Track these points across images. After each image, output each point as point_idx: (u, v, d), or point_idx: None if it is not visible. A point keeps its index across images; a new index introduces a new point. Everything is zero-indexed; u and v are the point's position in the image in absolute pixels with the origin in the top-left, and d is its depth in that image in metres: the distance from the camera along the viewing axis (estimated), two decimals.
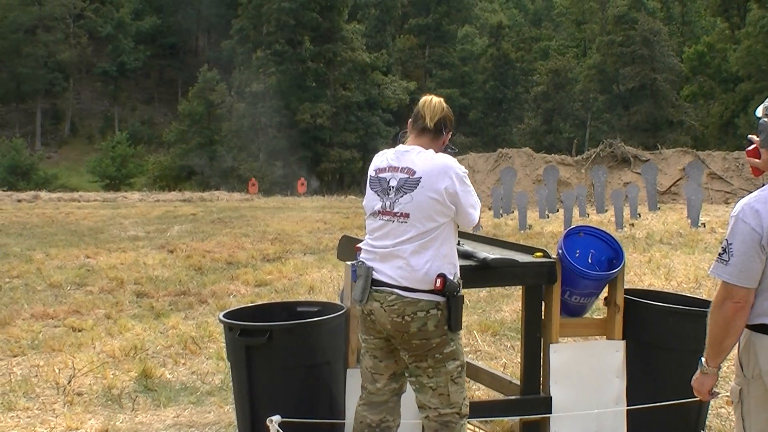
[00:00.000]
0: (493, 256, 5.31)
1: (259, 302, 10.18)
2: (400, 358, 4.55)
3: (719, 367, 3.75)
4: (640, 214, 24.32)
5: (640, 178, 30.50)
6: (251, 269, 15.28)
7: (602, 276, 5.81)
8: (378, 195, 4.49)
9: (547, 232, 21.02)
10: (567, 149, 51.60)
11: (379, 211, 4.46)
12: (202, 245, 18.80)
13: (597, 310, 7.20)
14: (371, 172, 4.59)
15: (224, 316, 5.34)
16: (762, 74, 58.96)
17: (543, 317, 5.65)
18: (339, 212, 29.57)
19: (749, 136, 4.06)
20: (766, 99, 3.74)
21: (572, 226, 6.37)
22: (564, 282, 5.68)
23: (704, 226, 20.66)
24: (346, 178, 65.99)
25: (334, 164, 62.44)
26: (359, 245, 4.64)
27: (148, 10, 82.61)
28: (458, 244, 5.57)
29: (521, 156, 34.22)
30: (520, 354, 5.75)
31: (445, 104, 4.55)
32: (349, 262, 5.25)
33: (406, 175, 4.42)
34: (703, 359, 3.76)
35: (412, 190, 4.38)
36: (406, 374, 4.61)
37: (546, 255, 5.75)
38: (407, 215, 4.37)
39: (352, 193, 53.60)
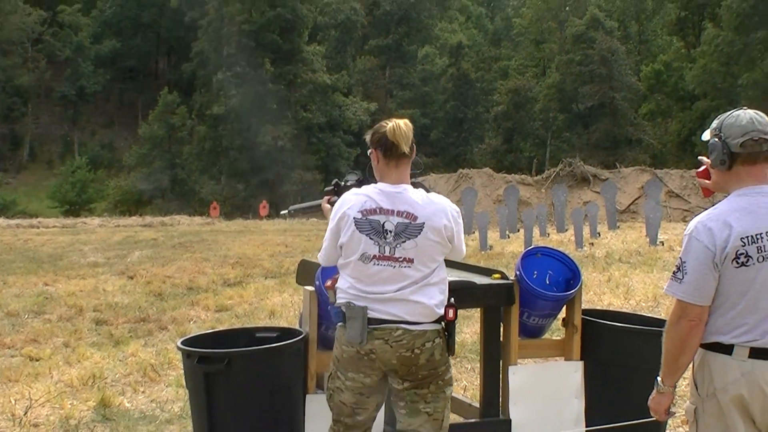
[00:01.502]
0: (451, 278, 5.31)
1: (219, 328, 10.15)
2: (386, 389, 4.47)
3: (675, 386, 3.79)
4: (599, 233, 24.48)
5: (599, 196, 30.73)
6: (212, 294, 15.21)
7: (560, 297, 5.84)
8: (372, 239, 4.32)
9: (508, 252, 21.09)
10: (528, 168, 51.94)
11: (376, 256, 4.30)
12: (163, 270, 18.72)
13: (556, 330, 7.22)
14: (355, 214, 4.35)
15: (182, 343, 5.28)
16: (718, 92, 59.56)
17: (501, 339, 5.67)
18: (300, 235, 29.46)
19: (699, 157, 4.11)
20: (714, 120, 3.80)
21: (530, 247, 6.41)
22: (522, 303, 5.71)
23: (663, 244, 20.83)
24: (308, 200, 65.70)
25: (295, 186, 62.27)
26: (334, 285, 4.48)
27: (108, 34, 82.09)
28: None
29: (482, 176, 34.40)
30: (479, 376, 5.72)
31: (410, 124, 4.47)
32: (308, 288, 5.24)
33: (407, 220, 4.32)
34: (659, 378, 3.81)
35: (416, 236, 4.30)
36: (394, 399, 4.50)
37: (504, 276, 5.78)
38: (411, 260, 4.29)
39: (314, 215, 53.40)
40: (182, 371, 8.70)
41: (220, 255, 22.21)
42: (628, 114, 64.33)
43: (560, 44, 72.97)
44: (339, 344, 4.38)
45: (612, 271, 15.89)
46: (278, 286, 16.09)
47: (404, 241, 4.27)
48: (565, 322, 6.02)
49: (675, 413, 3.97)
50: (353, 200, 4.39)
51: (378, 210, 4.33)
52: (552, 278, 6.09)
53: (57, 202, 64.72)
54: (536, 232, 24.29)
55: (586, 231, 23.36)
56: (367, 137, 4.52)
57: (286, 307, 13.43)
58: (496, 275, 5.76)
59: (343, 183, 5.18)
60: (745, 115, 3.66)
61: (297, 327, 5.69)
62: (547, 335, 6.29)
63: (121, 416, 7.28)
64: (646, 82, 68.52)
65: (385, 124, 4.44)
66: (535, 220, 24.05)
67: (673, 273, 3.67)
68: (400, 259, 4.27)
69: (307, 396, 5.23)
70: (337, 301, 4.38)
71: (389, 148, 4.39)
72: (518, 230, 26.96)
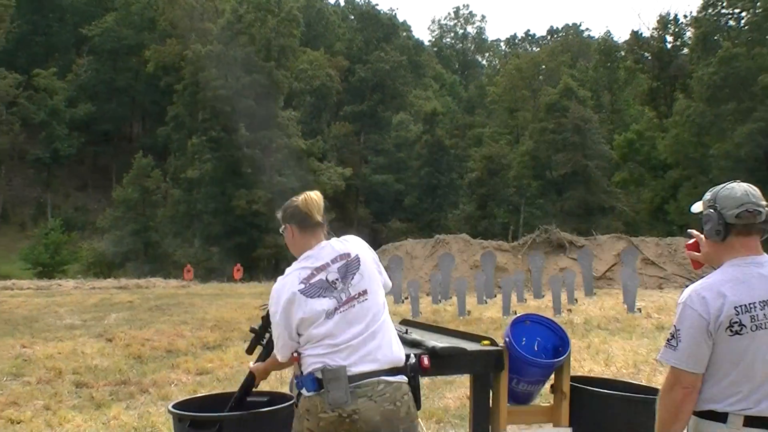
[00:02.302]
0: (441, 345, 5.36)
1: (208, 392, 10.11)
2: None
3: None
4: (577, 300, 24.54)
5: (576, 263, 30.85)
6: (192, 357, 15.16)
7: (549, 364, 5.88)
8: (323, 296, 4.36)
9: (486, 317, 21.12)
10: (502, 234, 52.19)
11: (335, 308, 4.34)
12: (141, 333, 18.60)
13: (543, 395, 7.26)
14: (297, 288, 4.38)
15: (173, 407, 5.28)
16: (689, 162, 60.17)
17: (490, 405, 5.67)
18: None
19: (688, 230, 4.22)
20: (707, 193, 3.90)
21: (518, 314, 6.47)
22: (511, 370, 5.73)
23: (640, 311, 20.91)
24: (282, 264, 65.65)
25: (269, 250, 62.11)
26: (298, 354, 4.43)
27: (83, 98, 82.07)
28: (405, 332, 5.65)
29: (458, 242, 34.45)
30: None
31: (319, 194, 4.59)
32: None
33: (344, 261, 4.42)
34: None
35: (358, 268, 4.40)
36: None
37: (493, 343, 5.82)
38: (365, 292, 4.37)
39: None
40: None
41: (197, 318, 22.12)
42: (601, 182, 64.78)
43: (533, 113, 73.60)
44: (314, 414, 4.27)
45: (591, 338, 15.94)
46: (258, 349, 16.03)
47: (351, 279, 4.36)
48: (554, 389, 6.06)
49: None
50: (287, 282, 4.41)
51: (314, 272, 4.40)
52: (540, 345, 6.14)
53: (30, 263, 64.09)
54: (513, 298, 24.35)
55: (563, 297, 23.42)
56: (279, 215, 4.62)
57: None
58: (486, 341, 5.79)
59: (257, 326, 5.22)
60: (740, 187, 3.77)
61: (286, 392, 5.73)
62: (535, 402, 6.33)
63: None
64: (618, 150, 69.12)
65: (295, 199, 4.58)
66: (512, 285, 24.12)
67: (667, 340, 3.73)
68: (357, 296, 4.34)
69: None
70: (308, 369, 4.33)
71: (303, 219, 4.52)
72: (495, 296, 27.03)
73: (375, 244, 60.70)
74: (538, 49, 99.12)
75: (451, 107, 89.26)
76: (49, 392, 11.64)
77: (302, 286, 4.36)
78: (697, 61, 61.68)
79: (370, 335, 4.34)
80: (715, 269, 3.87)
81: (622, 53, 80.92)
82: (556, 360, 5.91)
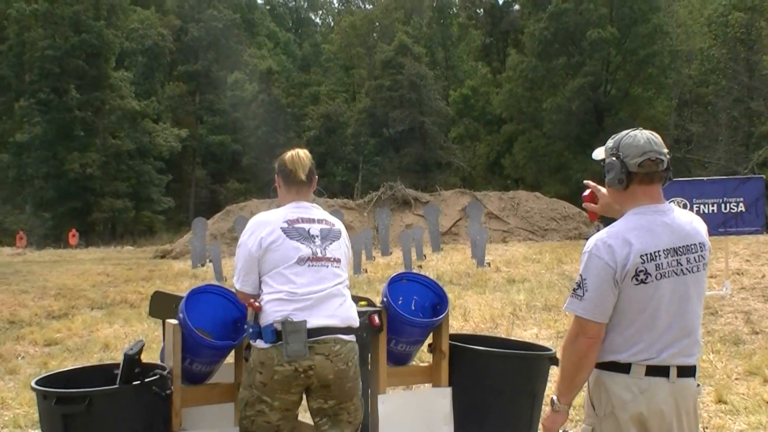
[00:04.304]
0: None
1: (59, 364, 9.74)
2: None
3: (570, 405, 3.85)
4: (425, 256, 24.75)
5: (421, 219, 31.13)
6: (37, 328, 14.66)
7: (429, 323, 5.85)
8: (302, 243, 4.53)
9: None
10: (342, 192, 52.19)
11: (310, 258, 4.51)
12: None
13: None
14: (281, 224, 4.57)
15: (36, 383, 4.97)
16: (523, 116, 61.50)
17: (369, 367, 5.62)
18: (120, 263, 28.75)
19: (585, 181, 4.23)
20: (609, 140, 3.90)
21: (396, 273, 6.41)
22: (389, 330, 5.67)
23: (489, 265, 21.25)
24: (118, 228, 64.36)
25: (105, 214, 60.68)
26: (259, 303, 4.51)
27: None
28: None
29: None
30: None
31: (308, 153, 4.73)
32: (171, 321, 5.07)
33: (328, 226, 4.69)
34: (554, 397, 3.86)
35: (338, 239, 4.68)
36: (314, 417, 4.65)
37: (370, 303, 5.76)
38: (338, 260, 4.63)
39: (125, 243, 52.33)
40: (19, 411, 8.37)
41: (38, 286, 21.28)
42: (438, 138, 65.34)
43: (369, 70, 73.62)
44: (268, 367, 4.40)
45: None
46: (106, 317, 15.62)
47: (330, 243, 4.64)
48: (432, 348, 6.03)
49: (569, 431, 4.04)
50: (271, 218, 4.64)
51: (300, 220, 4.63)
52: (417, 304, 6.11)
53: None
54: (362, 256, 24.44)
55: (412, 253, 23.61)
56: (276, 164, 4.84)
57: (119, 339, 13.06)
58: (363, 302, 5.72)
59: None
60: (642, 135, 3.78)
61: (158, 362, 5.42)
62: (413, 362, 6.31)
63: None
64: (454, 106, 69.88)
65: (286, 153, 4.86)
66: (361, 243, 24.18)
67: (573, 290, 3.73)
68: (331, 259, 4.61)
69: None
70: (268, 320, 4.43)
71: (287, 174, 4.78)
72: None
73: (214, 205, 59.91)
74: (372, 6, 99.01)
75: (286, 66, 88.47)
76: None
77: (285, 225, 4.58)
78: (528, 16, 62.63)
79: (332, 294, 4.56)
80: (610, 222, 3.89)
81: (455, 9, 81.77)
82: (436, 319, 5.90)
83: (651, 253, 3.67)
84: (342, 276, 4.67)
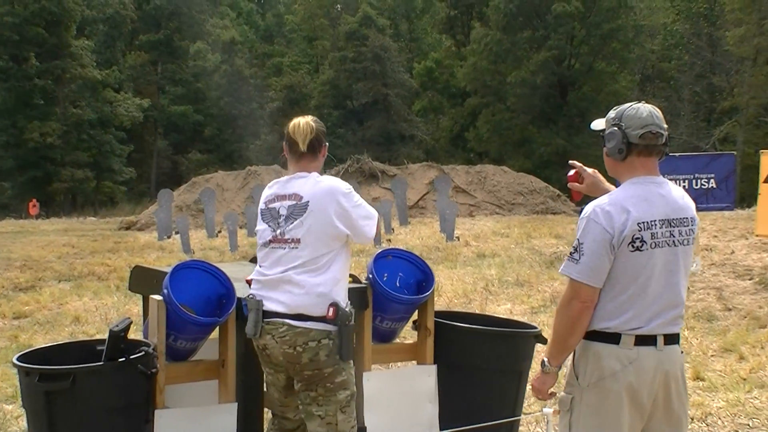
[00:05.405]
0: None
1: (29, 337, 9.64)
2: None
3: (560, 367, 3.94)
4: (393, 229, 24.73)
5: (388, 192, 31.07)
6: (5, 300, 14.46)
7: (414, 300, 5.83)
8: (270, 225, 4.54)
9: None
10: None
11: (270, 240, 4.50)
12: None
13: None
14: (261, 205, 4.65)
15: (18, 359, 4.89)
16: (487, 89, 61.47)
17: (354, 344, 5.60)
18: (85, 235, 28.46)
19: (570, 162, 4.29)
20: (612, 111, 3.96)
21: (382, 249, 6.38)
22: (375, 307, 5.65)
23: (458, 240, 21.27)
24: (79, 198, 63.89)
25: (66, 184, 60.14)
26: (250, 278, 4.64)
27: None
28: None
29: (270, 173, 34.06)
30: None
31: (313, 122, 4.62)
32: (155, 296, 5.00)
33: (294, 202, 4.51)
34: (545, 359, 3.95)
35: (302, 215, 4.46)
36: (299, 402, 4.60)
37: (356, 280, 5.73)
38: (298, 240, 4.44)
39: (86, 213, 51.96)
40: None
41: (2, 258, 20.90)
42: (402, 111, 65.26)
43: (333, 41, 73.32)
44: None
45: None
46: (75, 290, 15.46)
47: (292, 223, 4.50)
48: (417, 326, 6.02)
49: (556, 393, 4.11)
50: (264, 193, 4.75)
51: (275, 198, 4.63)
52: (402, 280, 6.08)
53: None
54: None
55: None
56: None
57: (90, 312, 12.95)
58: (349, 278, 5.69)
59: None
60: (645, 108, 3.91)
61: (141, 338, 5.28)
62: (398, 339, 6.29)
63: None
64: (418, 79, 69.79)
65: (291, 122, 4.83)
66: None
67: (570, 254, 3.81)
68: (290, 241, 4.48)
69: (156, 411, 4.97)
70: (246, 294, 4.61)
71: (290, 143, 4.77)
72: None
73: (176, 176, 59.51)
74: None
75: (249, 36, 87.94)
76: None
77: (263, 206, 4.66)
78: None
79: (282, 280, 4.45)
80: (593, 198, 3.97)
81: None
82: (422, 296, 5.87)
83: (648, 222, 3.76)
84: (301, 258, 4.47)
